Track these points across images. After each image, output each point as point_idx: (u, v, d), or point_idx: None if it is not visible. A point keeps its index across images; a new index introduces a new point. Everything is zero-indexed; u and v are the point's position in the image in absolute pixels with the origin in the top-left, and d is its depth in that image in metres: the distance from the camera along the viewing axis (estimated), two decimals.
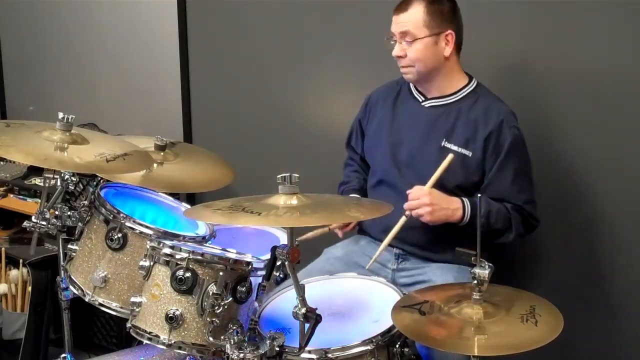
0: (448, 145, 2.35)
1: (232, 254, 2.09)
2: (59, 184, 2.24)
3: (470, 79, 2.43)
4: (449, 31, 2.33)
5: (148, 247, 2.00)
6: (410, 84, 2.48)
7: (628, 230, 2.58)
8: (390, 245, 2.36)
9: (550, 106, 2.63)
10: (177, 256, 1.93)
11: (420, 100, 2.44)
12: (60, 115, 2.12)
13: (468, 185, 2.34)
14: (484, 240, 2.11)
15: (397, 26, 2.35)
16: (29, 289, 3.01)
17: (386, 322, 1.94)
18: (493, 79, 2.50)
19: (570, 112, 2.60)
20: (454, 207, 2.28)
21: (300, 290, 1.78)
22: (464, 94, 2.40)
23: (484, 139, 2.32)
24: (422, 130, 2.40)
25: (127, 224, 2.11)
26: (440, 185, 2.30)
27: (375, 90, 2.60)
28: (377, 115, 2.53)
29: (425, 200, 2.24)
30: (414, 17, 2.32)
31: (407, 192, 2.30)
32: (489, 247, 2.25)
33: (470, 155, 2.33)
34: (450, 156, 2.28)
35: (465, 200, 2.29)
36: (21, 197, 3.44)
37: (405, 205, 2.28)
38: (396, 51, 2.37)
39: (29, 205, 3.35)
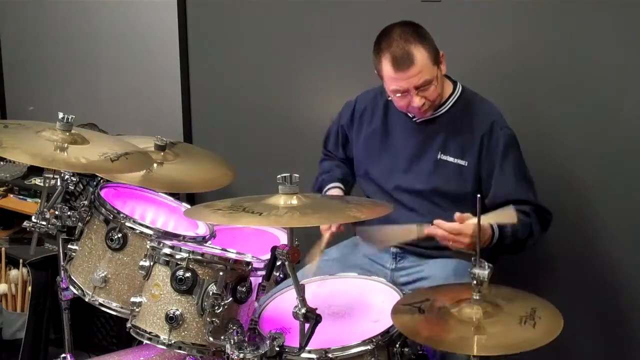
0: (444, 158, 2.35)
1: (232, 254, 2.09)
2: (59, 184, 2.24)
3: (455, 83, 2.40)
4: (442, 52, 2.30)
5: (148, 247, 2.00)
6: None
7: (628, 229, 2.58)
8: None
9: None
10: (177, 256, 1.93)
11: (412, 116, 2.40)
12: (60, 115, 2.12)
13: (463, 195, 2.33)
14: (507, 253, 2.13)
15: (409, 81, 2.21)
16: (29, 289, 3.01)
17: (386, 322, 1.94)
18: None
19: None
20: (486, 237, 2.18)
21: (300, 290, 1.78)
22: (452, 101, 2.38)
23: (478, 144, 2.32)
24: (416, 146, 2.39)
25: (127, 224, 2.11)
26: (436, 195, 2.32)
27: (358, 98, 2.56)
28: (364, 127, 2.49)
29: (466, 241, 2.12)
30: (423, 64, 2.21)
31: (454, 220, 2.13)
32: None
33: (466, 165, 2.33)
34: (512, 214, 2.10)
35: (494, 224, 2.20)
36: (21, 197, 3.43)
37: (438, 231, 2.15)
38: (417, 103, 2.24)
39: (29, 205, 3.34)
